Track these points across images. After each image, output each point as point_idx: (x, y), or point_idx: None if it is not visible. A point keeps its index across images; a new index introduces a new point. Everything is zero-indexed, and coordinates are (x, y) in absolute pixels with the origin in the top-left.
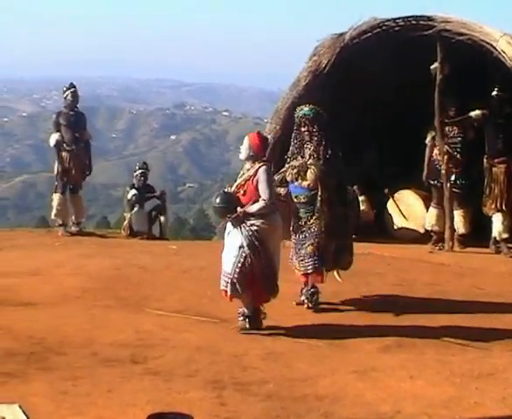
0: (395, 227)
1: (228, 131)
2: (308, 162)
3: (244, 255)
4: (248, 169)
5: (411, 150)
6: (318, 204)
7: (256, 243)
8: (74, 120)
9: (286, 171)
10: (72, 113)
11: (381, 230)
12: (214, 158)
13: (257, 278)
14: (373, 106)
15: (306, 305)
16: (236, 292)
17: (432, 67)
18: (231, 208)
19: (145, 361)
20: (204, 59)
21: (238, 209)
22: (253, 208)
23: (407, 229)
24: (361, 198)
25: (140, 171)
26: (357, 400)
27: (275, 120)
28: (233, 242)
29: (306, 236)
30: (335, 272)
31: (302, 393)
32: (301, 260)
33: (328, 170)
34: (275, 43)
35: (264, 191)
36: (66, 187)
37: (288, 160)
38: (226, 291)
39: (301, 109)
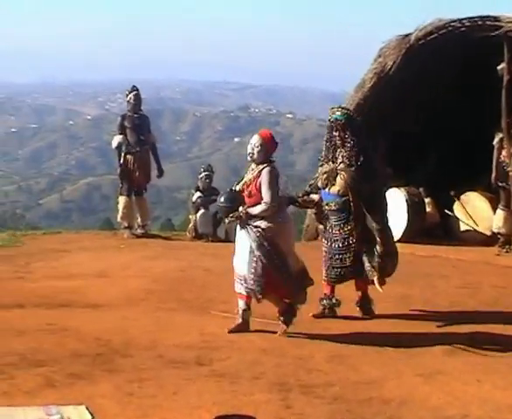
0: (461, 229)
1: (292, 133)
2: (339, 168)
3: (255, 258)
4: (253, 169)
5: (477, 152)
6: (351, 211)
7: (265, 243)
8: (139, 123)
9: (318, 177)
10: (136, 115)
11: (446, 232)
12: (278, 160)
13: (276, 280)
14: (438, 107)
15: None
16: (257, 296)
17: (498, 68)
18: (235, 207)
19: (210, 363)
20: (269, 61)
21: (240, 209)
22: (255, 210)
23: (473, 231)
24: (426, 200)
25: (205, 173)
26: (424, 403)
27: None
28: (243, 245)
29: (340, 247)
30: (376, 282)
31: (368, 396)
32: (333, 268)
33: (359, 177)
34: (339, 44)
35: (265, 193)
36: (131, 189)
37: (320, 164)
38: (246, 295)
39: (334, 113)
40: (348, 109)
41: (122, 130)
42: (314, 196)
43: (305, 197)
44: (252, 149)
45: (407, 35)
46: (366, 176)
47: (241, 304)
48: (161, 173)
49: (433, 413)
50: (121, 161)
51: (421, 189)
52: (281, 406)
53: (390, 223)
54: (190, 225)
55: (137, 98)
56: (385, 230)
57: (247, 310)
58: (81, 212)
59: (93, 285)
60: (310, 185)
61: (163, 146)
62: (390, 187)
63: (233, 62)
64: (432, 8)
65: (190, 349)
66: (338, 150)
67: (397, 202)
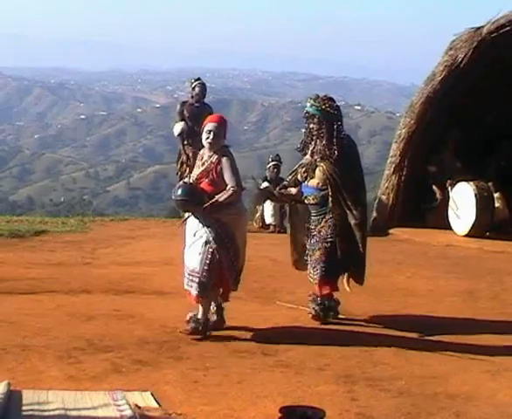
0: None
1: (360, 125)
2: (317, 159)
3: (211, 250)
4: (210, 156)
5: None
6: (330, 205)
7: (223, 236)
8: (197, 113)
9: (296, 169)
10: (196, 105)
11: None
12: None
13: (225, 273)
14: (510, 101)
15: (311, 316)
16: (204, 293)
17: None
18: (193, 200)
19: (276, 354)
20: (338, 54)
21: (207, 200)
22: (222, 197)
23: None
24: (495, 195)
25: (273, 163)
26: (490, 400)
27: (410, 114)
28: (197, 237)
29: (316, 241)
30: (344, 280)
31: (433, 391)
32: (313, 268)
33: (338, 169)
34: (409, 37)
35: (230, 178)
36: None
37: (303, 156)
38: (190, 293)
39: (310, 104)
40: (323, 100)
41: (182, 117)
42: (293, 190)
43: (282, 190)
44: (209, 136)
45: (479, 28)
46: (345, 169)
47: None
48: None
49: (500, 409)
50: (182, 149)
51: (490, 184)
52: (346, 398)
53: (460, 217)
54: (257, 215)
55: (202, 88)
56: (364, 226)
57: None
58: (148, 200)
59: (159, 272)
60: (289, 178)
61: (231, 135)
62: (459, 181)
63: (302, 54)
64: (504, 1)
65: (257, 339)
66: (316, 142)
67: (465, 197)
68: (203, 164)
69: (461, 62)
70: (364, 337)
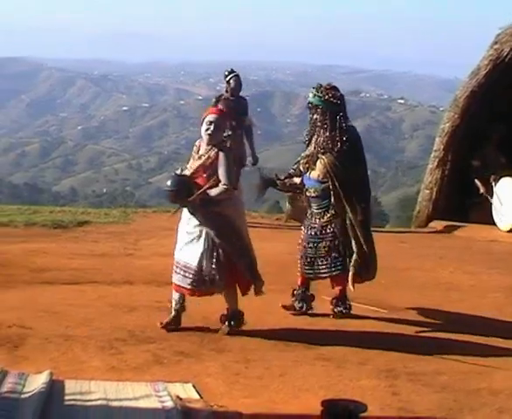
0: None
1: (403, 119)
2: (320, 151)
3: (215, 247)
4: (208, 150)
5: None
6: (332, 200)
7: (226, 229)
8: (233, 106)
9: (299, 160)
10: (232, 98)
11: None
12: (388, 146)
13: (236, 267)
14: None
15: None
16: (219, 288)
17: None
18: (183, 192)
19: (317, 347)
20: (381, 47)
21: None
22: (213, 192)
23: None
24: None
25: None
26: None
27: (454, 108)
28: (195, 232)
29: (317, 235)
30: (349, 279)
31: (476, 386)
32: (309, 262)
33: (340, 162)
34: (452, 31)
35: (223, 175)
36: None
37: (306, 147)
38: (191, 290)
39: (313, 95)
40: (326, 89)
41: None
42: (296, 180)
43: (286, 180)
44: (209, 127)
45: None
46: (348, 162)
47: (176, 296)
48: (255, 160)
49: None
50: None
51: None
52: (388, 392)
53: (504, 213)
54: None
55: (238, 81)
56: (368, 223)
57: (181, 304)
58: None
59: None
60: (293, 168)
61: (273, 128)
62: (503, 176)
63: (344, 47)
64: None
65: (298, 332)
66: (319, 133)
67: (509, 192)
68: (199, 157)
69: (507, 56)
70: (406, 331)
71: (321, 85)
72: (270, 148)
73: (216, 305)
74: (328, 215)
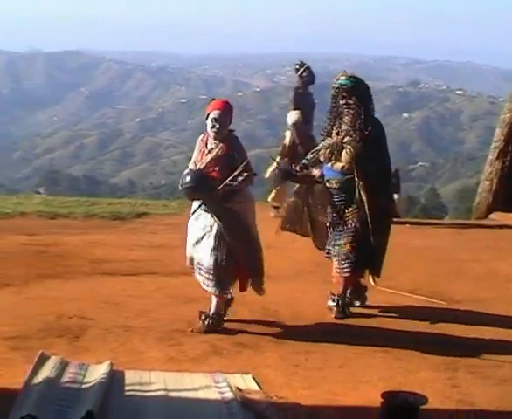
0: None
1: (462, 110)
2: (344, 140)
3: (226, 244)
4: (217, 144)
5: None
6: (357, 193)
7: (236, 225)
8: (307, 100)
9: (319, 150)
10: (304, 91)
11: None
12: (447, 137)
13: (241, 264)
14: None
15: (333, 314)
16: (224, 291)
17: None
18: (203, 187)
19: (377, 339)
20: (440, 37)
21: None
22: (236, 182)
23: None
24: None
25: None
26: None
27: None
28: (207, 230)
29: (341, 231)
30: (370, 277)
31: None
32: (340, 261)
33: (367, 151)
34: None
35: (243, 163)
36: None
37: (323, 137)
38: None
39: (338, 79)
40: (354, 76)
41: (297, 105)
42: (315, 171)
43: (304, 171)
44: (215, 124)
45: None
46: (376, 153)
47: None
48: None
49: None
50: (293, 140)
51: None
52: (448, 385)
53: None
54: None
55: (311, 73)
56: (391, 216)
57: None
58: None
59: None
60: (308, 159)
61: None
62: None
63: (403, 38)
64: None
65: (357, 325)
66: (343, 121)
67: None
68: (209, 152)
69: None
70: (465, 323)
71: (345, 71)
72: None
73: (275, 296)
74: (351, 209)
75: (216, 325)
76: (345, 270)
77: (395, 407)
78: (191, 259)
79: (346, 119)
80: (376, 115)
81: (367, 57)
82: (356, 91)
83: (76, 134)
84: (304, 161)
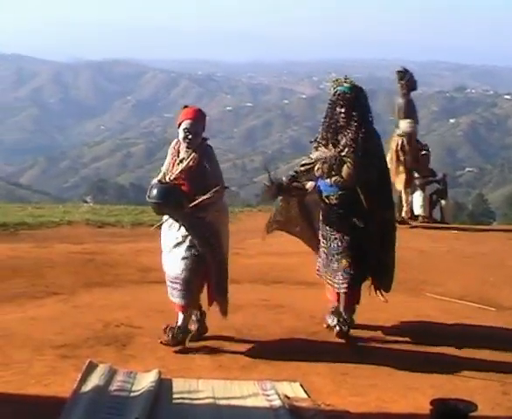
0: None
1: (510, 115)
2: (343, 153)
3: (196, 255)
4: (189, 154)
5: None
6: (359, 206)
7: (208, 236)
8: (411, 106)
9: (313, 163)
10: (408, 98)
11: None
12: (494, 142)
13: (211, 278)
14: None
15: (335, 333)
16: (191, 302)
17: None
18: (170, 203)
19: (426, 346)
20: (487, 42)
21: (187, 201)
22: (207, 196)
23: None
24: None
25: (422, 153)
26: None
27: None
28: (179, 240)
29: (339, 246)
30: (379, 294)
31: None
32: (335, 275)
33: (368, 164)
34: None
35: (215, 176)
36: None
37: (316, 147)
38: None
39: (339, 85)
40: (355, 84)
41: (409, 113)
42: (308, 185)
43: (295, 184)
44: (187, 135)
45: None
46: (378, 164)
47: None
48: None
49: None
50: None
51: None
52: (498, 392)
53: None
54: (406, 206)
55: (413, 80)
56: (396, 228)
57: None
58: None
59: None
60: (296, 171)
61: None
62: None
63: (448, 43)
64: None
65: (405, 330)
66: (341, 131)
67: None
68: (181, 161)
69: None
70: None
71: (345, 77)
72: None
73: (323, 303)
74: (351, 223)
75: (182, 338)
76: (343, 285)
77: (444, 414)
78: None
79: (345, 130)
80: (422, 121)
81: (412, 62)
82: (358, 100)
83: (123, 143)
84: (292, 173)
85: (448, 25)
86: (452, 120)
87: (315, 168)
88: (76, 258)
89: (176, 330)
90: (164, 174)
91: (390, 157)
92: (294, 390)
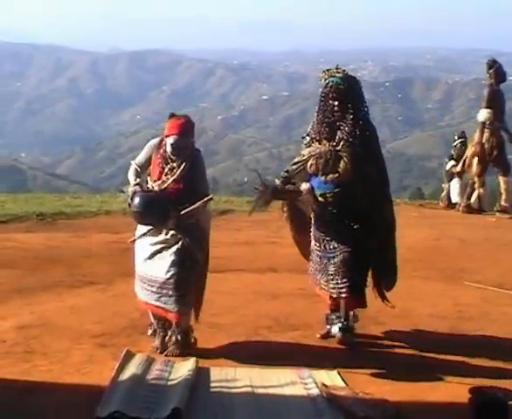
0: None
1: None
2: (339, 148)
3: (190, 259)
4: (179, 164)
5: None
6: (357, 202)
7: (202, 242)
8: (499, 97)
9: (306, 159)
10: (496, 88)
11: None
12: None
13: (200, 282)
14: None
15: (338, 341)
16: (186, 307)
17: None
18: (155, 214)
19: (464, 334)
20: None
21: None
22: (195, 206)
23: None
24: None
25: (459, 141)
26: None
27: None
28: (166, 243)
29: (335, 248)
30: (385, 301)
31: None
32: (331, 279)
33: (366, 158)
34: None
35: (203, 185)
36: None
37: (308, 142)
38: (164, 309)
39: (331, 75)
40: (348, 74)
41: (490, 103)
42: (303, 186)
43: (289, 186)
44: (173, 151)
45: None
46: (375, 158)
47: (154, 319)
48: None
49: None
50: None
51: None
52: None
53: None
54: (443, 194)
55: (502, 71)
56: (395, 224)
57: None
58: None
59: None
60: (288, 170)
61: (413, 114)
62: None
63: (486, 30)
64: None
65: (444, 319)
66: (336, 125)
67: None
68: (171, 170)
69: None
70: None
71: (337, 67)
72: (410, 135)
73: None
74: (349, 223)
75: (185, 344)
76: (343, 291)
77: (483, 403)
78: (141, 277)
79: (340, 123)
80: (459, 109)
81: (450, 50)
82: (352, 91)
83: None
84: (284, 173)
85: (485, 13)
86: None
87: (309, 164)
88: (113, 248)
89: (178, 336)
90: (151, 182)
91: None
92: (332, 378)
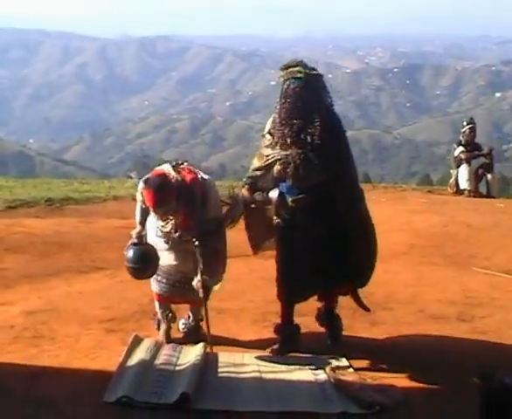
0: None
1: None
2: (309, 148)
3: (211, 251)
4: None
5: None
6: (330, 206)
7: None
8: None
9: (271, 164)
10: None
11: None
12: None
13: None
14: None
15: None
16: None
17: None
18: (151, 265)
19: (472, 320)
20: None
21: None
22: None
23: None
24: None
25: (468, 126)
26: None
27: None
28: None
29: (308, 249)
30: (362, 303)
31: None
32: (295, 279)
33: (339, 156)
34: None
35: (215, 209)
36: None
37: (271, 145)
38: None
39: (291, 76)
40: (307, 66)
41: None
42: (272, 193)
43: (257, 195)
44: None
45: None
46: (345, 155)
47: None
48: None
49: None
50: None
51: None
52: None
53: None
54: (452, 180)
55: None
56: (368, 228)
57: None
58: None
59: None
60: (251, 176)
61: (422, 100)
62: None
63: (494, 16)
64: None
65: (452, 305)
66: (300, 128)
67: None
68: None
69: None
70: None
71: (297, 62)
72: (418, 121)
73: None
74: (320, 226)
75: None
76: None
77: (490, 388)
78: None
79: (307, 123)
80: (468, 95)
81: (459, 37)
82: (314, 92)
83: (167, 119)
84: (248, 180)
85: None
86: (498, 94)
87: (275, 169)
88: (122, 233)
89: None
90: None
91: None
92: (340, 364)
